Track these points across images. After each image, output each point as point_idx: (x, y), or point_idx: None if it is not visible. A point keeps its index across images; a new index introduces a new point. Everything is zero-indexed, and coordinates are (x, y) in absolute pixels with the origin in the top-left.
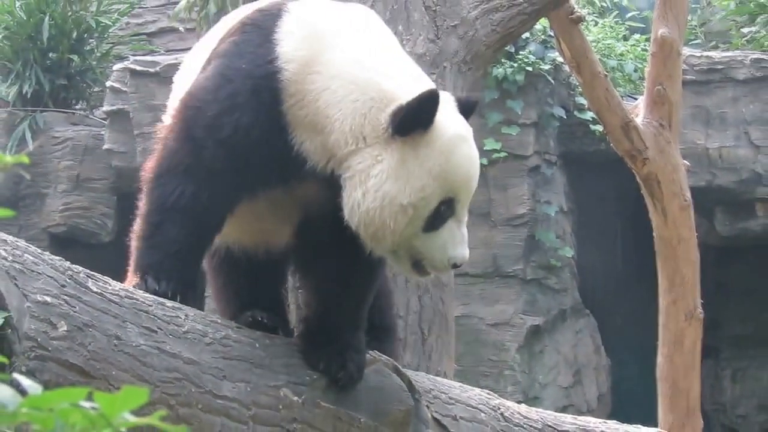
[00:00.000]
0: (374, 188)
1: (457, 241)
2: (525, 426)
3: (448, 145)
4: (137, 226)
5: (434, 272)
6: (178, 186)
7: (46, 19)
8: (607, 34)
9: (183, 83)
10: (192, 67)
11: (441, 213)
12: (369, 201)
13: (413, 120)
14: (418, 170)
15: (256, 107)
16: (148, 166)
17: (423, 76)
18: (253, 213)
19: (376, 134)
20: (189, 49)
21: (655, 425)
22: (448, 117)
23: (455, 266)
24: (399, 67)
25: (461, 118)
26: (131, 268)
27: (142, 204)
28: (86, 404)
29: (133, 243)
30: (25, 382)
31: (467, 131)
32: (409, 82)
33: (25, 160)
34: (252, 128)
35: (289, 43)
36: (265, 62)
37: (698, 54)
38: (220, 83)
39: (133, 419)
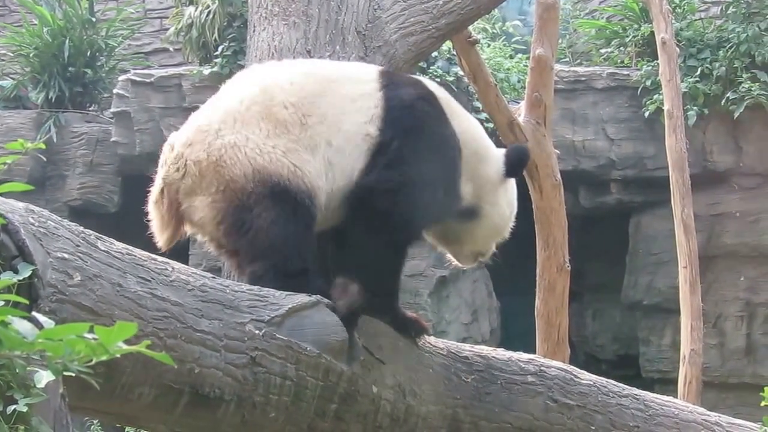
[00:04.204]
0: (504, 214)
1: None
2: (434, 352)
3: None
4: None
5: (484, 261)
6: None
7: (67, 41)
8: (497, 53)
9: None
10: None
11: None
12: (502, 222)
13: (523, 166)
14: (513, 196)
15: (459, 163)
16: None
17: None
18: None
19: (498, 178)
20: (178, 64)
21: (533, 352)
22: None
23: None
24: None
25: None
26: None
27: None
28: (88, 336)
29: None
30: (42, 318)
31: None
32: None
33: (42, 146)
34: (455, 176)
35: (455, 122)
36: (454, 134)
37: (566, 69)
38: (444, 148)
39: (125, 347)
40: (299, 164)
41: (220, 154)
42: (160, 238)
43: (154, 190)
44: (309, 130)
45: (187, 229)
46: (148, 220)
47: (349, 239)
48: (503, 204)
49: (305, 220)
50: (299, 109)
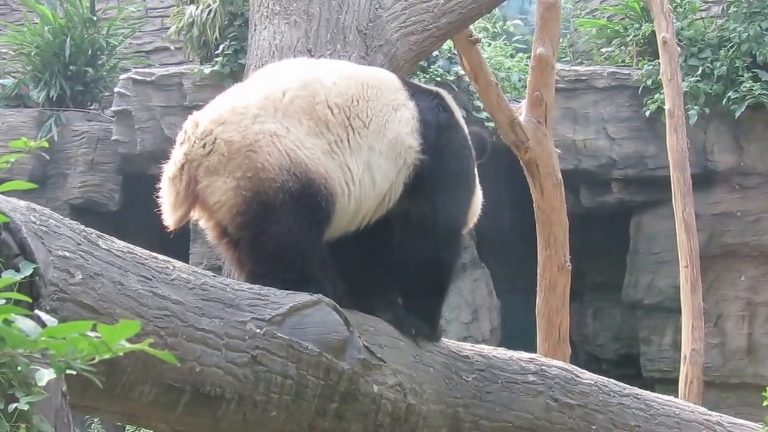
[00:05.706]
0: (479, 198)
1: None
2: (434, 351)
3: None
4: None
5: None
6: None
7: (68, 40)
8: (497, 52)
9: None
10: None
11: None
12: (478, 206)
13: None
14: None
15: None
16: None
17: None
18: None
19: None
20: (179, 63)
21: (534, 351)
22: None
23: None
24: None
25: None
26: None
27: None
28: (91, 334)
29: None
30: (44, 316)
31: None
32: None
33: (46, 145)
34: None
35: (460, 118)
36: (467, 135)
37: (567, 68)
38: (471, 160)
39: (128, 345)
40: (335, 167)
41: (256, 139)
42: (171, 217)
43: (172, 166)
44: (352, 133)
45: (196, 213)
46: (152, 215)
47: (400, 252)
48: (477, 189)
49: (321, 228)
50: (343, 110)
